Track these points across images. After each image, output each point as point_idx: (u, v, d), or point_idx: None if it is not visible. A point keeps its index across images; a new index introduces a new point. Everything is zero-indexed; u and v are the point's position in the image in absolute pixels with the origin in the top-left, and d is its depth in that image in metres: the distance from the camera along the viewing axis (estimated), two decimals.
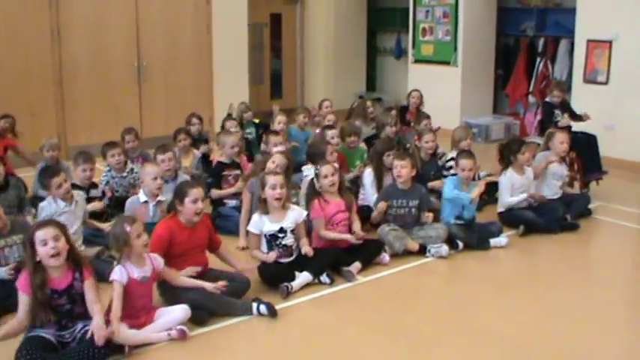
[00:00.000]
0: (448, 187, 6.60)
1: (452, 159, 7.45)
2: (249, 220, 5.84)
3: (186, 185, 5.33)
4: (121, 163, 7.23)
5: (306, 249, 5.60)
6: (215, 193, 7.08)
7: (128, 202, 6.26)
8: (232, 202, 7.02)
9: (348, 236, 5.91)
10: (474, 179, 6.79)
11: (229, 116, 9.27)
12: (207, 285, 4.96)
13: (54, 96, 10.23)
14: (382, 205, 6.31)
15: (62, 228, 4.41)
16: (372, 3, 14.83)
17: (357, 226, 6.09)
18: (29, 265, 4.32)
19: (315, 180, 6.12)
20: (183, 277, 5.02)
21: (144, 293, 4.68)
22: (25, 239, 4.52)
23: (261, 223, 5.56)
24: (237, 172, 7.22)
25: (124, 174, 7.24)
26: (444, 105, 10.93)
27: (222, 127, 8.71)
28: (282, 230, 5.57)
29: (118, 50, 10.82)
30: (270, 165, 6.41)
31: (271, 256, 5.51)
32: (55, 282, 4.32)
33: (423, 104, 9.85)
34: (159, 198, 6.14)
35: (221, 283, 4.97)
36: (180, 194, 5.17)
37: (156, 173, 6.15)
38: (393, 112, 9.03)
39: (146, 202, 6.12)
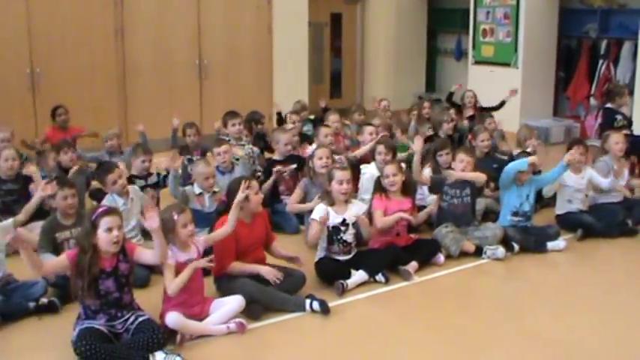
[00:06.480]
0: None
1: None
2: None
3: (244, 179, 5.41)
4: (242, 132, 7.81)
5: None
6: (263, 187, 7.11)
7: (185, 190, 6.37)
8: (287, 199, 7.02)
9: (403, 215, 5.89)
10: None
11: (280, 115, 9.46)
12: (263, 270, 5.11)
13: (116, 92, 10.47)
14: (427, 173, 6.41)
15: (122, 218, 4.52)
16: (432, 3, 14.77)
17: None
18: (84, 244, 4.39)
19: (381, 178, 6.15)
20: (237, 264, 5.13)
21: (193, 277, 4.72)
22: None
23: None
24: (293, 166, 7.24)
25: (242, 142, 7.76)
26: (503, 107, 10.82)
27: (285, 120, 8.85)
28: (344, 222, 5.63)
29: (180, 48, 10.99)
30: (317, 162, 6.58)
31: (324, 217, 5.52)
32: (101, 262, 4.40)
33: (478, 103, 9.92)
34: (214, 189, 6.25)
35: (278, 274, 5.11)
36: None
37: (208, 173, 6.24)
38: (451, 111, 9.01)
39: (201, 193, 6.24)
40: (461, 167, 6.35)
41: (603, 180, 6.96)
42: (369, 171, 6.96)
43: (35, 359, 4.52)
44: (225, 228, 5.00)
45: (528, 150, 7.35)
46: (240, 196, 5.01)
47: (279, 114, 9.58)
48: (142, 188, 6.56)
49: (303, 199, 6.61)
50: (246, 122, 8.34)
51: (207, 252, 5.00)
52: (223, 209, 5.36)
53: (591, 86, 11.76)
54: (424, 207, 6.65)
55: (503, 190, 6.64)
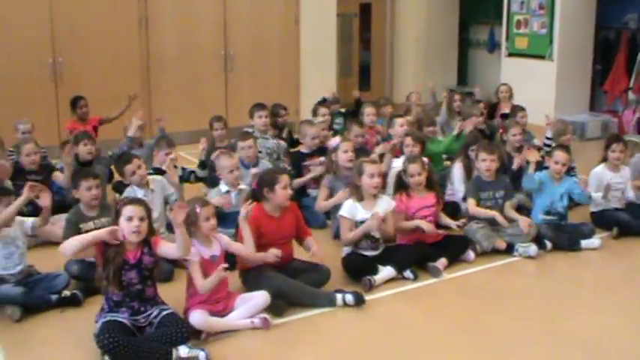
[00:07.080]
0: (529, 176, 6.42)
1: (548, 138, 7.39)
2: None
3: (274, 172, 5.37)
4: (268, 125, 7.74)
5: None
6: (295, 182, 6.97)
7: (213, 192, 6.28)
8: (314, 193, 6.97)
9: (420, 224, 5.73)
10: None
11: (324, 101, 9.34)
12: (268, 258, 4.97)
13: (141, 84, 10.40)
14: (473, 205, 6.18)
15: (148, 211, 4.48)
16: None
17: (444, 219, 6.02)
18: None
19: (402, 174, 6.00)
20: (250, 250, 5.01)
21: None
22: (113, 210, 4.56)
23: (355, 210, 5.53)
24: (322, 158, 7.19)
25: (267, 136, 7.70)
26: (537, 101, 10.57)
27: (314, 112, 8.76)
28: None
29: (205, 39, 10.93)
30: (342, 155, 6.52)
31: (359, 232, 5.45)
32: (126, 254, 4.36)
33: (513, 97, 9.72)
34: (240, 186, 6.18)
35: (277, 253, 4.98)
36: (269, 182, 5.15)
37: (232, 166, 6.13)
38: (481, 105, 8.89)
39: (228, 191, 6.14)
40: (485, 166, 6.23)
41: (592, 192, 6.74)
42: (398, 165, 6.81)
43: (57, 352, 4.48)
44: (245, 248, 4.93)
45: (548, 135, 7.23)
46: (242, 214, 4.92)
47: (324, 100, 9.56)
48: None
49: (330, 196, 6.48)
50: None
51: None
52: (253, 198, 5.25)
53: (630, 79, 11.47)
54: (454, 202, 6.52)
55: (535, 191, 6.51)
